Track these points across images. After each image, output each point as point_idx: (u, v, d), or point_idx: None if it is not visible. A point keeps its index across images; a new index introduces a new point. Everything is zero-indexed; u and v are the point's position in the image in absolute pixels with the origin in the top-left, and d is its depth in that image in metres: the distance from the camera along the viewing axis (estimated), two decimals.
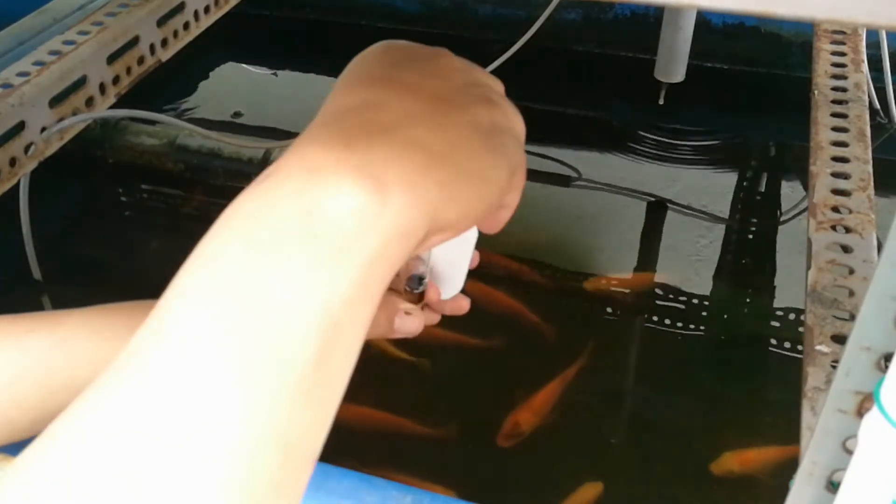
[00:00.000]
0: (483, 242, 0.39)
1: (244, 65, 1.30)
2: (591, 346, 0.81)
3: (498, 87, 0.33)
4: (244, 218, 0.24)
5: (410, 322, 0.41)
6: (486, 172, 0.29)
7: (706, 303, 0.86)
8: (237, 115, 1.16)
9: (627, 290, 0.89)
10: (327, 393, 0.23)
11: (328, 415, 0.24)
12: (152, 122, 1.02)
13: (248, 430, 0.21)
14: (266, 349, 0.22)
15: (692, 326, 0.84)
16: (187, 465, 0.20)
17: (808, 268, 0.52)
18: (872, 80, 0.87)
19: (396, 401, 0.76)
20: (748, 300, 0.88)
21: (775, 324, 0.84)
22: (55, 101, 0.67)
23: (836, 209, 0.56)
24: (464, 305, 0.43)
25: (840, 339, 0.47)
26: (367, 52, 0.32)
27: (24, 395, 0.41)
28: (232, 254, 0.23)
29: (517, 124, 0.32)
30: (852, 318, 0.47)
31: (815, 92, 0.69)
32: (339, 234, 0.24)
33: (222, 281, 0.23)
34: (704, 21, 1.13)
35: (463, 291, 0.41)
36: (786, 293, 0.87)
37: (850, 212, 0.56)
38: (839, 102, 0.67)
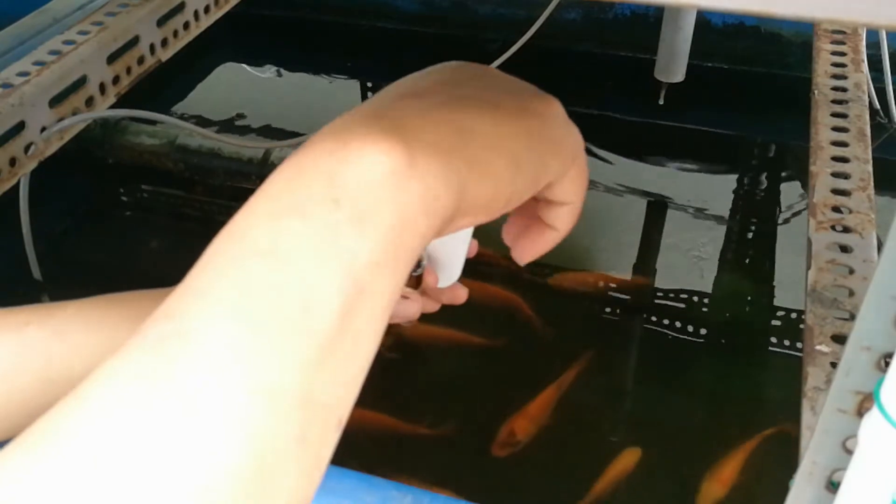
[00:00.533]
0: (481, 240, 0.39)
1: (244, 65, 1.30)
2: (590, 347, 0.81)
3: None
4: (275, 183, 0.24)
5: (409, 306, 0.41)
6: (523, 155, 0.28)
7: (706, 302, 0.86)
8: (240, 116, 1.16)
9: (627, 296, 0.89)
10: (352, 356, 0.23)
11: (354, 378, 0.24)
12: (152, 122, 1.02)
13: (271, 386, 0.21)
14: (289, 309, 0.22)
15: (692, 326, 0.84)
16: (211, 418, 0.20)
17: (808, 267, 0.52)
18: (872, 79, 0.87)
19: (394, 402, 0.76)
20: (748, 300, 0.88)
21: (775, 323, 0.84)
22: (55, 101, 0.67)
23: (836, 209, 0.56)
24: (461, 295, 0.43)
25: (840, 339, 0.47)
26: (405, 78, 0.31)
27: (22, 388, 0.41)
28: (258, 219, 0.24)
29: (573, 127, 0.31)
30: (852, 317, 0.47)
31: (815, 92, 0.69)
32: (362, 200, 0.24)
33: (248, 245, 0.23)
34: (704, 21, 1.13)
35: (460, 282, 0.41)
36: (786, 293, 0.87)
37: (850, 211, 0.56)
38: (839, 102, 0.68)
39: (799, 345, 0.80)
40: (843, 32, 0.77)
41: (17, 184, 0.66)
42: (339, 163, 0.24)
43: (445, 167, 0.25)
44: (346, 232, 0.23)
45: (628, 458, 0.71)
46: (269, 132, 1.12)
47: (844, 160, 0.61)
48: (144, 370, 0.21)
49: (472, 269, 0.41)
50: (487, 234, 0.34)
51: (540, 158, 0.29)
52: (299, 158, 0.25)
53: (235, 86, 1.26)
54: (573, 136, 0.31)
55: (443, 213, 0.26)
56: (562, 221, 0.32)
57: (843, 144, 0.63)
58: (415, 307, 0.41)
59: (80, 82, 0.69)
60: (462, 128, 0.27)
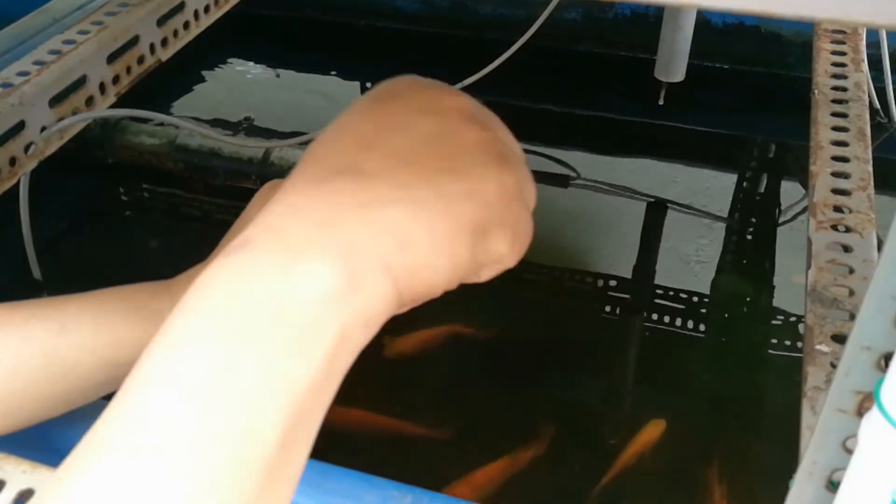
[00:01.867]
0: None
1: (244, 64, 1.31)
2: (590, 347, 0.81)
3: (517, 148, 0.31)
4: (217, 297, 0.24)
5: None
6: (464, 252, 0.27)
7: (706, 302, 0.86)
8: (248, 119, 1.16)
9: (627, 295, 0.89)
10: (290, 471, 0.24)
11: (291, 490, 0.24)
12: (152, 122, 1.02)
13: None
14: (232, 433, 0.22)
15: (691, 326, 0.84)
16: None
17: (808, 267, 0.52)
18: (872, 79, 0.87)
19: (393, 402, 0.76)
20: (748, 299, 0.88)
21: (775, 323, 0.84)
22: (55, 101, 0.67)
23: (836, 208, 0.56)
24: None
25: (840, 339, 0.47)
26: (380, 91, 0.30)
27: (26, 383, 0.41)
28: (201, 337, 0.24)
29: (528, 190, 0.30)
30: (852, 317, 0.47)
31: (815, 91, 0.69)
32: (306, 321, 0.24)
33: (191, 365, 0.23)
34: (704, 21, 1.13)
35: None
36: (786, 292, 0.87)
37: (851, 211, 0.56)
38: (839, 102, 0.68)
39: (799, 344, 0.80)
40: (844, 32, 0.77)
41: (17, 183, 0.66)
42: (284, 278, 0.24)
43: (385, 278, 0.25)
44: (287, 357, 0.23)
45: (652, 431, 0.73)
46: (268, 132, 1.12)
47: (844, 160, 0.61)
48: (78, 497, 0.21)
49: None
50: None
51: (485, 250, 0.28)
52: (242, 264, 0.24)
53: (235, 85, 1.26)
54: (524, 212, 0.30)
55: (381, 319, 0.26)
56: (486, 275, 0.30)
57: (844, 144, 0.63)
58: None
59: (80, 82, 0.69)
60: (404, 240, 0.26)
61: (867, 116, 0.66)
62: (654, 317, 0.85)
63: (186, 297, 0.25)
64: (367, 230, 0.26)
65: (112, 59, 0.73)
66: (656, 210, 0.98)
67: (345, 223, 0.25)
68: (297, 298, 0.24)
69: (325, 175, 0.27)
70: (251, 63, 1.30)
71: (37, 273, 0.84)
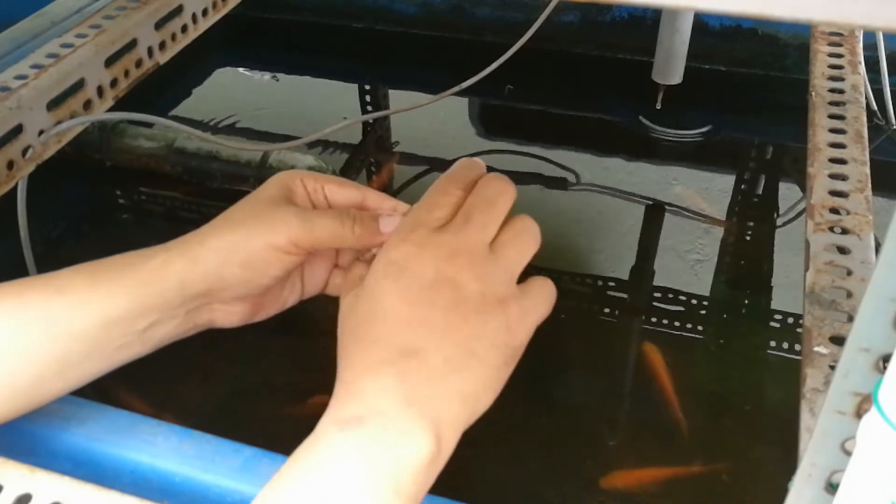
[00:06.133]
0: None
1: (241, 68, 1.31)
2: (589, 347, 0.81)
3: (504, 276, 0.42)
4: (348, 470, 0.33)
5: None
6: (504, 376, 0.39)
7: (704, 304, 0.86)
8: (238, 119, 1.16)
9: (625, 295, 0.89)
10: None
11: None
12: (150, 125, 1.02)
13: None
14: None
15: (689, 327, 0.84)
16: None
17: (807, 269, 0.52)
18: (870, 81, 0.87)
19: None
20: (746, 301, 0.88)
21: (773, 325, 0.84)
22: (53, 104, 0.67)
23: (833, 210, 0.57)
24: None
25: (838, 341, 0.47)
26: (391, 268, 0.40)
27: (27, 347, 0.42)
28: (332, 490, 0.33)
29: (524, 335, 0.42)
30: (851, 319, 0.47)
31: (813, 94, 0.69)
32: (417, 489, 0.33)
33: None
34: (702, 23, 1.13)
35: None
36: (784, 294, 0.87)
37: (848, 213, 0.56)
38: (836, 104, 0.68)
39: (797, 346, 0.80)
40: (840, 34, 0.77)
41: (15, 187, 0.66)
42: (396, 456, 0.33)
43: (456, 433, 0.36)
44: None
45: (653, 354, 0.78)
46: (266, 135, 1.12)
47: (842, 162, 0.61)
48: None
49: None
50: None
51: (514, 357, 0.41)
52: (365, 445, 0.33)
53: (233, 89, 1.26)
54: (530, 316, 0.43)
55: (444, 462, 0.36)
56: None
57: (841, 146, 0.63)
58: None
59: (78, 85, 0.69)
60: (465, 398, 0.36)
61: (864, 118, 0.66)
62: (653, 318, 0.85)
63: (314, 458, 0.33)
64: (439, 402, 0.35)
65: (110, 62, 0.72)
66: (655, 212, 0.98)
67: (423, 399, 0.35)
68: (411, 472, 0.33)
69: (392, 357, 0.36)
70: (249, 66, 1.30)
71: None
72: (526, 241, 0.42)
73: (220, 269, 0.45)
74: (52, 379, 0.43)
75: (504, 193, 0.43)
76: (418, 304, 0.37)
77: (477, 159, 0.47)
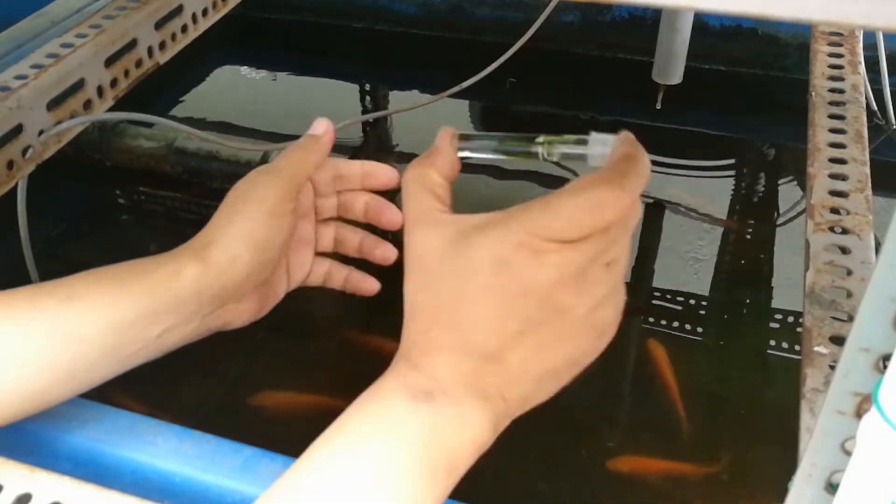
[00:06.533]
0: None
1: (241, 67, 1.31)
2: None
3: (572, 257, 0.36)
4: (415, 440, 0.34)
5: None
6: (574, 370, 0.38)
7: (704, 303, 0.86)
8: (238, 119, 1.16)
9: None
10: None
11: None
12: (150, 125, 1.02)
13: None
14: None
15: (689, 327, 0.84)
16: None
17: (807, 269, 0.52)
18: (869, 81, 0.87)
19: None
20: (746, 301, 0.88)
21: (773, 325, 0.84)
22: (53, 104, 0.67)
23: (834, 210, 0.57)
24: (390, 256, 0.53)
25: (838, 341, 0.47)
26: (459, 260, 0.36)
27: (36, 354, 0.42)
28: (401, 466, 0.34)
29: (619, 296, 0.38)
30: (850, 319, 0.47)
31: (813, 94, 0.69)
32: (465, 465, 0.35)
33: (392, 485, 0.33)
34: (702, 23, 1.13)
35: None
36: (784, 294, 0.87)
37: (848, 213, 0.56)
38: (836, 104, 0.68)
39: (797, 346, 0.80)
40: (840, 34, 0.77)
41: (15, 187, 0.66)
42: (460, 434, 0.34)
43: (513, 416, 0.37)
44: (445, 483, 0.35)
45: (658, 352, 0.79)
46: (266, 135, 1.12)
47: (842, 162, 0.61)
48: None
49: None
50: None
51: (588, 358, 0.40)
52: (436, 420, 0.34)
53: (233, 88, 1.26)
54: (617, 309, 0.39)
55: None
56: None
57: (841, 146, 0.63)
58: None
59: (78, 85, 0.69)
60: (529, 398, 0.37)
61: (864, 118, 0.66)
62: (652, 318, 0.85)
63: (379, 418, 0.35)
64: (507, 404, 0.36)
65: (110, 62, 0.72)
66: (655, 212, 0.98)
67: (494, 397, 0.35)
68: (465, 454, 0.35)
69: (473, 354, 0.35)
70: (249, 66, 1.30)
71: (35, 276, 0.84)
72: (628, 249, 0.38)
73: (232, 265, 0.45)
74: (61, 384, 0.43)
75: (637, 216, 0.38)
76: (517, 314, 0.34)
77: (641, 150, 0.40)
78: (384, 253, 0.53)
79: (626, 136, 0.40)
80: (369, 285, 0.54)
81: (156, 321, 0.44)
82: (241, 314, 0.49)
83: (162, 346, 0.46)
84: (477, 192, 0.99)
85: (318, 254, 0.54)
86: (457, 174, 0.41)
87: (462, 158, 0.42)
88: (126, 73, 0.74)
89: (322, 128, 0.51)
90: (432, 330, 0.36)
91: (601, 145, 0.39)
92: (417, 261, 0.36)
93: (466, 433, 0.34)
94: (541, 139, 0.41)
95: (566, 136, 0.41)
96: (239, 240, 0.46)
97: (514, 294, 0.34)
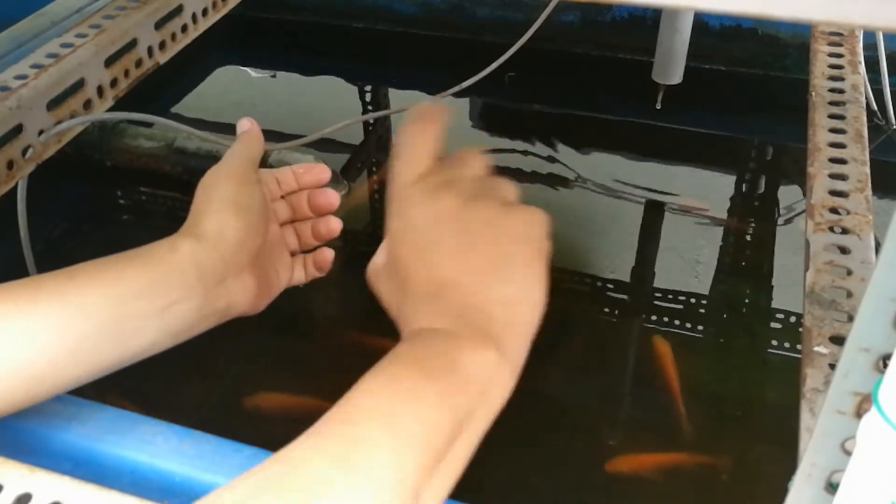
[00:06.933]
0: None
1: (241, 67, 1.31)
2: (588, 348, 0.81)
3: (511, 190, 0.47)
4: (417, 357, 0.38)
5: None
6: (544, 295, 0.45)
7: (704, 303, 0.87)
8: (238, 118, 1.16)
9: (625, 296, 0.89)
10: (452, 468, 0.37)
11: (446, 492, 0.37)
12: (150, 125, 1.02)
13: (404, 476, 0.33)
14: (420, 431, 0.35)
15: (689, 327, 0.84)
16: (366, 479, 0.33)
17: (807, 269, 0.52)
18: (869, 81, 0.87)
19: None
20: (746, 301, 0.88)
21: (773, 325, 0.84)
22: (53, 104, 0.67)
23: (834, 210, 0.57)
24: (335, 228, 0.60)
25: (838, 341, 0.47)
26: (416, 206, 0.43)
27: (39, 329, 0.44)
28: (409, 379, 0.37)
29: (542, 240, 0.47)
30: (851, 319, 0.47)
31: (813, 93, 0.69)
32: (486, 376, 0.39)
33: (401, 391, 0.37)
34: (702, 23, 1.13)
35: None
36: (784, 294, 0.87)
37: (848, 213, 0.56)
38: (836, 104, 0.68)
39: (797, 346, 0.80)
40: (840, 34, 0.77)
41: (15, 187, 0.66)
42: (471, 358, 0.39)
43: (518, 340, 0.42)
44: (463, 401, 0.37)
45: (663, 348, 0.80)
46: (266, 134, 1.12)
47: (842, 162, 0.61)
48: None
49: None
50: None
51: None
52: (447, 344, 0.39)
53: (233, 88, 1.26)
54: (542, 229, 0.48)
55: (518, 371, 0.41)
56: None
57: (841, 146, 0.63)
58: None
59: (78, 85, 0.69)
60: (509, 321, 0.41)
61: (864, 118, 0.66)
62: (653, 318, 0.85)
63: (407, 350, 0.39)
64: (481, 315, 0.40)
65: (110, 62, 0.72)
66: (655, 212, 0.98)
67: (476, 319, 0.40)
68: (483, 371, 0.39)
69: (433, 287, 0.41)
70: (249, 66, 1.30)
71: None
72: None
73: (222, 231, 0.50)
74: (65, 362, 0.43)
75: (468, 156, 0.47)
76: (439, 244, 0.42)
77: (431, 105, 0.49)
78: (328, 225, 0.59)
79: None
80: (328, 253, 0.60)
81: (158, 293, 0.45)
82: (242, 294, 0.51)
83: (168, 327, 0.46)
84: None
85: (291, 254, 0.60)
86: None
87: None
88: (126, 73, 0.74)
89: (246, 125, 0.59)
90: (407, 307, 0.43)
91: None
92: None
93: (466, 352, 0.39)
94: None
95: None
96: (222, 208, 0.50)
97: (422, 238, 0.42)
